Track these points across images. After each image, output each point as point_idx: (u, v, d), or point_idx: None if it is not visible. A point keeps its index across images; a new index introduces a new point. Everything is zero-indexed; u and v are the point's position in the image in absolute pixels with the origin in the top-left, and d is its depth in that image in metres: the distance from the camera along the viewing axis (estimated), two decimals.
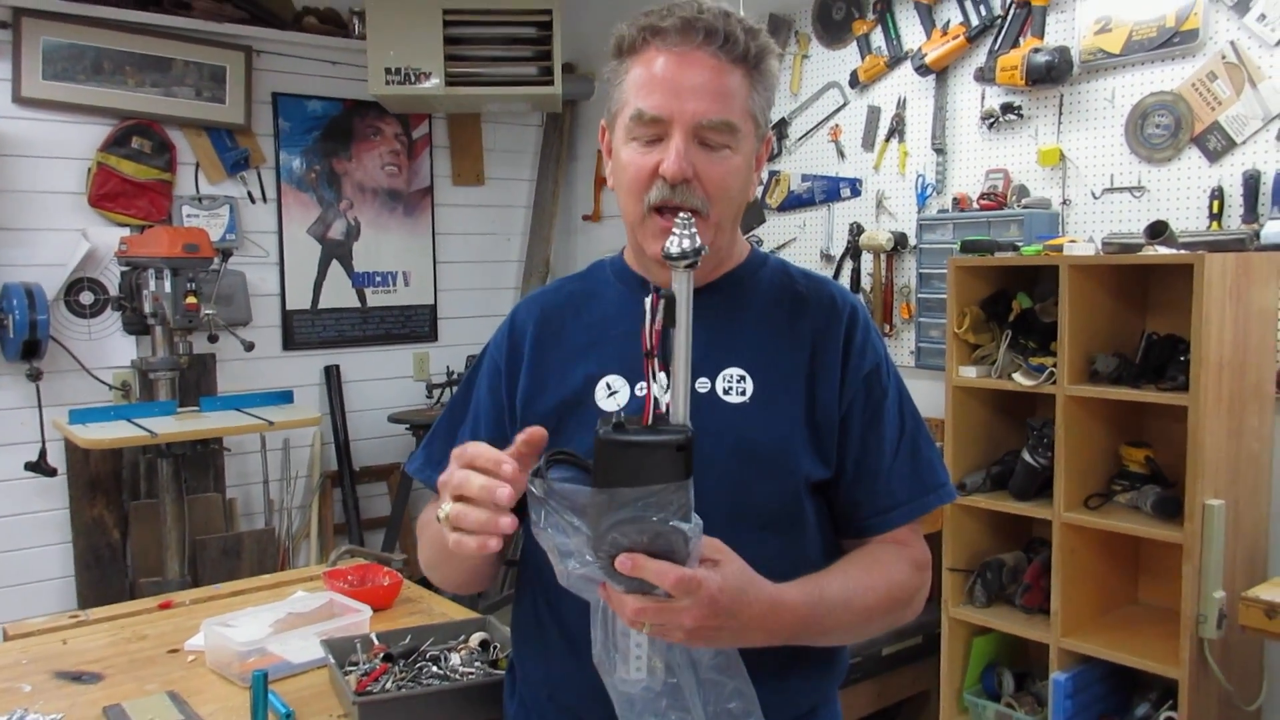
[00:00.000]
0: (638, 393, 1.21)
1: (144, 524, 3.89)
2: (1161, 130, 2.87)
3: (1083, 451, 2.71)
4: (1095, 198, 3.02)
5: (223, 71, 4.13)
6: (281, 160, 4.37)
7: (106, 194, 3.92)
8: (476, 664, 1.51)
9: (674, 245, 0.96)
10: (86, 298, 3.92)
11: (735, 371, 1.21)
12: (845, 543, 1.26)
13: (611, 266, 1.34)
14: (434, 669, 1.48)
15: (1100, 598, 2.82)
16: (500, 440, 1.28)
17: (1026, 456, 2.79)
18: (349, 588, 1.89)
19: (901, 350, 3.54)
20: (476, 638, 1.58)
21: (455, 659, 1.51)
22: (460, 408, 1.36)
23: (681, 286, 0.97)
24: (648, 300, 0.98)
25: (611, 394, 1.23)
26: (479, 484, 0.98)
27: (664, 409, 0.99)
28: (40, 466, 3.65)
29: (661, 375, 1.01)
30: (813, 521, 1.22)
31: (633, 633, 1.00)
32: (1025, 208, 3.08)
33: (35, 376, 3.65)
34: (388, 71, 4.02)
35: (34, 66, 3.73)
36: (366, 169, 4.60)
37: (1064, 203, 3.08)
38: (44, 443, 3.68)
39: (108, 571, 3.96)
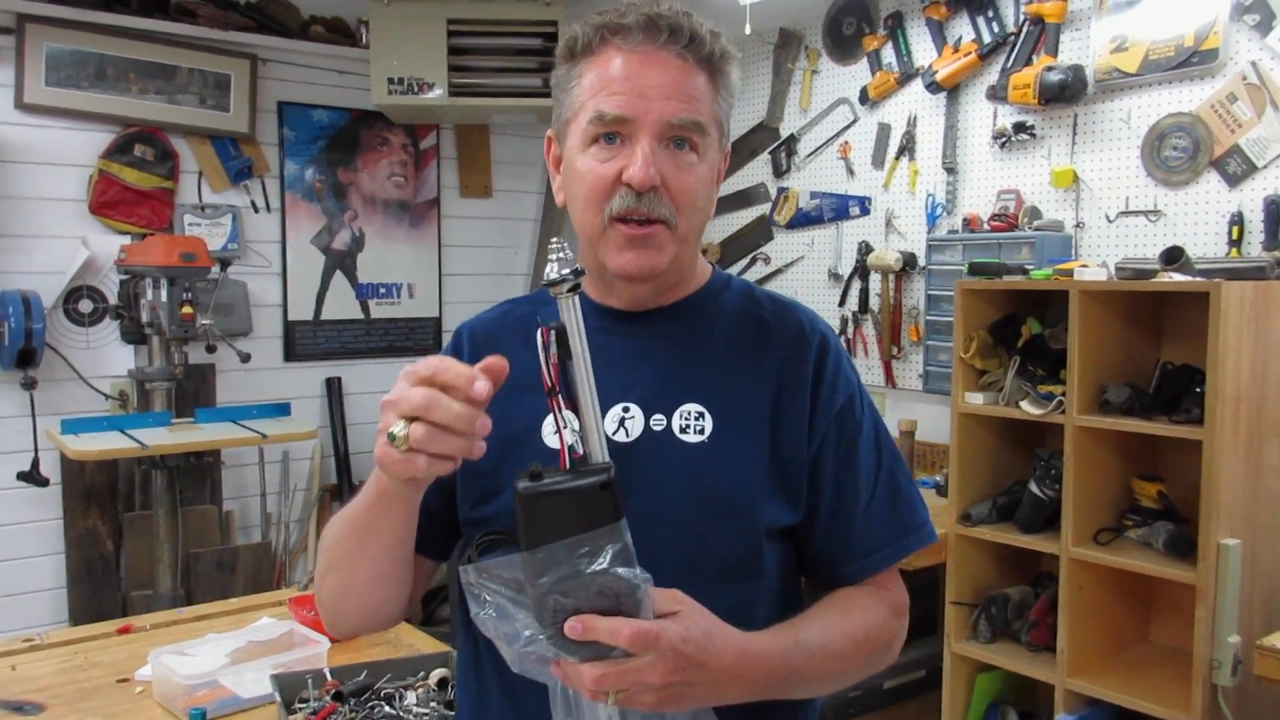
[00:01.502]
0: None
1: (138, 536, 3.84)
2: (1179, 153, 2.77)
3: (1092, 484, 2.60)
4: (1110, 221, 2.92)
5: (227, 79, 4.10)
6: (286, 169, 4.33)
7: (108, 201, 3.89)
8: (433, 704, 1.43)
9: (552, 271, 0.89)
10: (85, 306, 3.88)
11: (693, 408, 1.12)
12: (820, 592, 1.18)
13: None
14: (386, 709, 1.40)
15: (1110, 637, 2.71)
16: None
17: (1034, 488, 2.68)
18: (313, 615, 1.82)
19: (909, 374, 3.45)
20: (436, 675, 1.50)
21: (411, 698, 1.43)
22: None
23: (571, 315, 0.90)
24: (538, 334, 0.90)
25: (558, 430, 1.14)
26: (456, 411, 0.85)
27: (580, 451, 0.90)
28: (32, 476, 3.61)
29: (570, 414, 0.93)
30: (772, 572, 1.13)
31: (601, 708, 0.91)
32: (1037, 230, 2.98)
33: (30, 385, 3.61)
34: (390, 81, 3.97)
35: (37, 73, 3.71)
36: (373, 179, 4.56)
37: (1077, 225, 2.98)
38: (37, 452, 3.64)
39: (100, 584, 3.91)
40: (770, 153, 3.88)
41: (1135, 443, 2.61)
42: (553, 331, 0.89)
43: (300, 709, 1.41)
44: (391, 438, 0.86)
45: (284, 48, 4.22)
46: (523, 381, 1.16)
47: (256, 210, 4.27)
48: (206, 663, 1.60)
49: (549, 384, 0.90)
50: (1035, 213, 3.04)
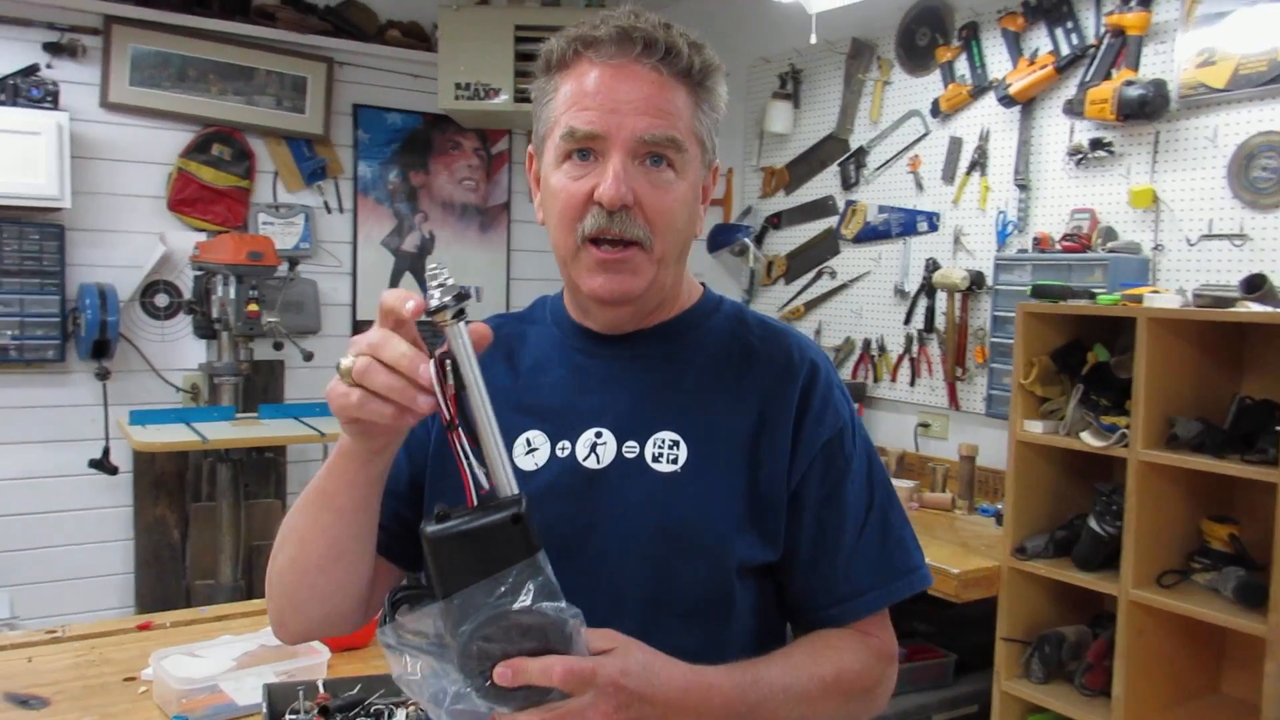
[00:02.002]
0: (559, 453, 1.08)
1: (203, 527, 3.93)
2: (1269, 174, 2.60)
3: (1156, 523, 2.46)
4: (1191, 244, 2.76)
5: (304, 82, 4.18)
6: (359, 171, 4.40)
7: (185, 199, 4.00)
8: None
9: (434, 298, 0.83)
10: (161, 300, 4.00)
11: (668, 436, 1.07)
12: (799, 635, 1.11)
13: (550, 306, 1.20)
14: None
15: (1173, 686, 2.55)
16: (417, 475, 1.15)
17: (1093, 523, 2.55)
18: None
19: (973, 397, 3.32)
20: None
21: (401, 716, 1.41)
22: None
23: (460, 342, 0.84)
24: (431, 366, 0.83)
25: (530, 451, 1.09)
26: (401, 350, 0.82)
27: (485, 486, 0.85)
28: (102, 464, 3.72)
29: (471, 448, 0.87)
30: (744, 610, 1.07)
31: None
32: (1111, 252, 2.84)
33: (103, 376, 3.73)
34: (458, 86, 4.00)
35: (122, 73, 3.84)
36: (444, 183, 4.60)
37: (1155, 248, 2.83)
38: (108, 441, 3.75)
39: (166, 572, 4.02)
40: (839, 165, 3.78)
41: (1206, 481, 2.46)
42: (448, 361, 0.83)
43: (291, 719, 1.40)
44: (338, 368, 0.84)
45: (360, 51, 4.29)
46: (499, 400, 1.14)
47: (329, 211, 4.34)
48: (211, 666, 1.61)
49: (446, 418, 0.84)
50: (1110, 233, 2.90)
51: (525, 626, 0.81)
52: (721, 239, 4.14)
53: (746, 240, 4.07)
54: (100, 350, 3.67)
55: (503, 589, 0.80)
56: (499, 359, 1.16)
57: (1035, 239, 3.06)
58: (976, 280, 3.26)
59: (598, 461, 1.06)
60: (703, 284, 1.21)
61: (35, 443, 3.75)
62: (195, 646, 1.69)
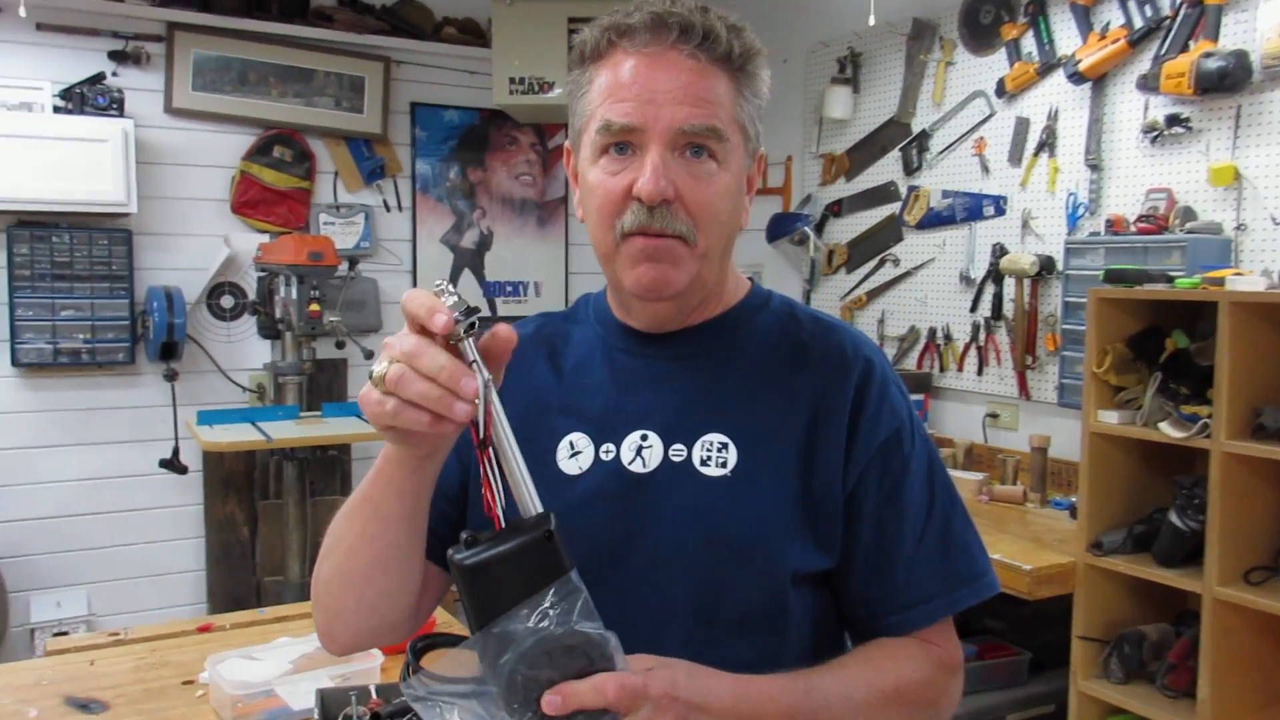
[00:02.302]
0: (603, 456, 1.04)
1: (271, 524, 3.99)
2: None
3: (1243, 517, 2.34)
4: (1276, 223, 2.62)
5: (361, 82, 4.20)
6: (417, 169, 4.41)
7: (248, 201, 4.05)
8: None
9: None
10: (227, 301, 4.06)
11: (716, 438, 1.02)
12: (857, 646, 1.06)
13: (594, 304, 1.16)
14: None
15: (1263, 688, 2.43)
16: (468, 479, 1.12)
17: (1174, 518, 2.44)
18: None
19: (1045, 387, 3.21)
20: None
21: (454, 717, 1.38)
22: None
23: (471, 359, 0.79)
24: (479, 380, 0.78)
25: (574, 454, 1.06)
26: (440, 362, 0.77)
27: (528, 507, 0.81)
28: (172, 464, 3.79)
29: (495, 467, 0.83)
30: (800, 621, 1.02)
31: None
32: (1190, 233, 2.71)
33: (171, 377, 3.80)
34: (512, 81, 3.98)
35: (184, 78, 3.89)
36: (501, 178, 4.59)
37: (1238, 228, 2.69)
38: (177, 441, 3.82)
39: (236, 568, 4.09)
40: (901, 149, 3.69)
41: None
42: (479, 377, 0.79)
43: None
44: (370, 376, 0.80)
45: (416, 49, 4.30)
46: (542, 401, 1.11)
47: (388, 209, 4.37)
48: (268, 669, 1.61)
49: (479, 437, 0.80)
50: (1189, 214, 2.77)
51: (569, 648, 0.77)
52: (781, 228, 4.07)
53: (806, 229, 3.99)
54: (168, 352, 3.74)
55: (542, 611, 0.76)
56: (542, 359, 1.13)
57: (1108, 221, 2.94)
58: (1046, 265, 3.14)
59: (643, 465, 1.03)
60: (750, 278, 1.17)
61: (108, 443, 3.84)
62: (253, 649, 1.69)
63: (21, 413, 3.70)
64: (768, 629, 1.00)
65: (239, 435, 3.41)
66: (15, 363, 3.63)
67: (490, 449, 0.79)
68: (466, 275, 4.56)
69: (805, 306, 1.14)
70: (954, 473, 3.15)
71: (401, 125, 4.35)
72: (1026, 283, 3.21)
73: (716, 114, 0.97)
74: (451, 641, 0.82)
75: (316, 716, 1.39)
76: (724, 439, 1.02)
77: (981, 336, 3.41)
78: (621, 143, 0.98)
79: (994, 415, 3.38)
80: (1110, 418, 2.55)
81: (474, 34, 4.42)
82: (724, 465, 1.01)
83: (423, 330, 0.79)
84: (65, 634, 3.58)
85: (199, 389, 3.98)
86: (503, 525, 0.79)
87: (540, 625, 0.76)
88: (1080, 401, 2.73)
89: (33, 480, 3.72)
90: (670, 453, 1.02)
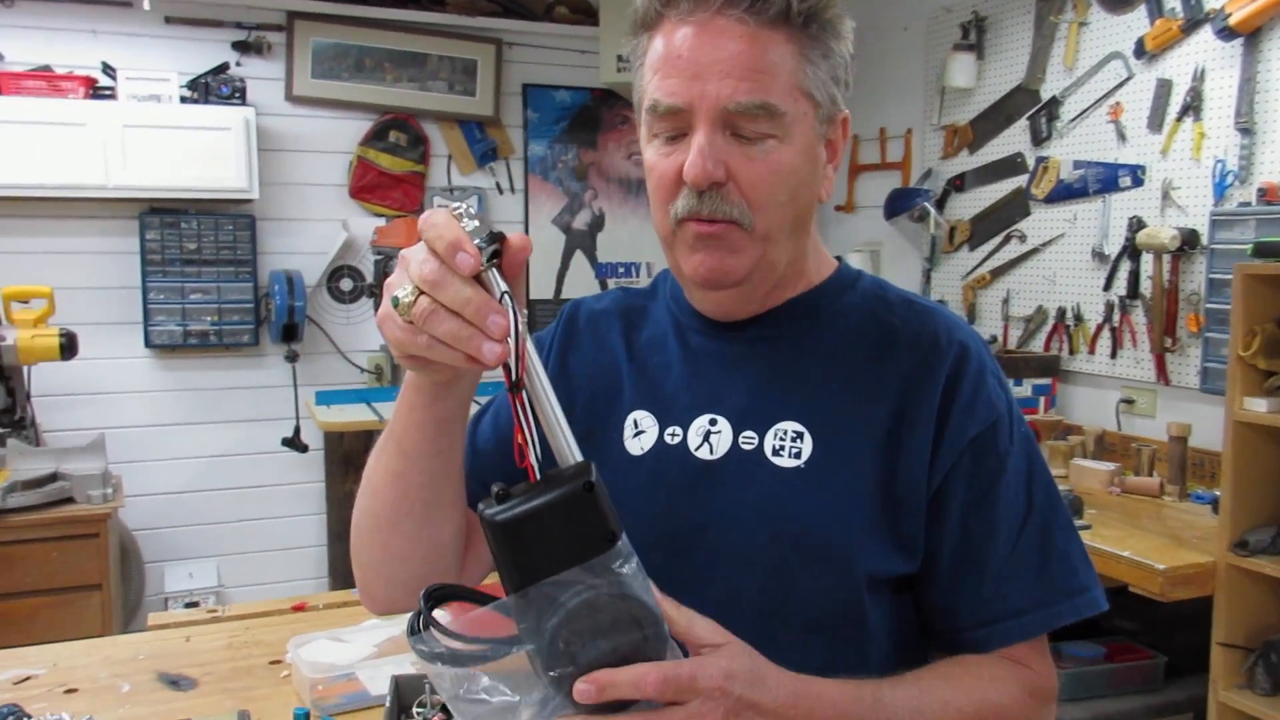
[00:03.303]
0: (668, 439, 0.98)
1: None
2: None
3: None
4: None
5: (474, 64, 4.22)
6: (529, 150, 4.41)
7: (365, 186, 4.12)
8: None
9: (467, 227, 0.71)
10: (346, 284, 4.15)
11: (790, 427, 0.95)
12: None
13: (672, 282, 1.09)
14: None
15: None
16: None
17: None
18: None
19: (1186, 370, 2.97)
20: None
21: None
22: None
23: (498, 288, 0.71)
24: (510, 317, 0.70)
25: (638, 434, 1.00)
26: (466, 295, 0.69)
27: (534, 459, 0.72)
28: (293, 443, 3.91)
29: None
30: (879, 630, 0.94)
31: None
32: None
33: (292, 358, 3.91)
34: (619, 59, 3.92)
35: (304, 66, 3.98)
36: (613, 159, 4.55)
37: None
38: (298, 420, 3.94)
39: None
40: (1029, 118, 3.47)
41: None
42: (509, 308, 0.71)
43: (419, 713, 1.36)
44: (395, 302, 0.73)
45: (528, 30, 4.29)
46: (612, 377, 1.05)
47: (501, 191, 4.39)
48: (351, 652, 1.60)
49: (513, 377, 0.71)
50: None
51: (620, 618, 0.70)
52: (900, 204, 3.90)
53: (927, 205, 3.81)
54: (289, 334, 3.85)
55: (592, 573, 0.69)
56: (616, 334, 1.08)
57: (1260, 190, 2.69)
58: (1189, 239, 2.90)
59: (710, 452, 0.96)
60: (839, 258, 1.08)
61: (234, 422, 3.98)
62: (341, 631, 1.69)
63: (155, 392, 3.87)
64: (841, 634, 0.93)
65: (353, 415, 3.49)
66: (148, 344, 3.80)
67: (523, 391, 0.72)
68: (579, 256, 4.54)
69: (897, 288, 1.04)
70: (1083, 462, 2.96)
71: (513, 107, 4.36)
72: (1166, 258, 2.97)
73: (770, 86, 0.88)
74: (474, 595, 0.76)
75: (389, 703, 1.37)
76: (799, 428, 0.95)
77: (1116, 317, 3.18)
78: (670, 123, 0.91)
79: (1129, 401, 3.15)
80: (1258, 405, 2.33)
81: (585, 13, 4.39)
82: (798, 456, 0.94)
83: (440, 253, 0.71)
84: (196, 604, 3.74)
85: (319, 369, 4.09)
86: (538, 476, 0.72)
87: (592, 586, 0.69)
88: (1224, 387, 2.50)
89: (166, 456, 3.89)
90: (740, 440, 0.96)
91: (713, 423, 0.98)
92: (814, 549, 0.92)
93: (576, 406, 1.05)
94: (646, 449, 0.99)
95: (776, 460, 0.94)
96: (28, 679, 1.53)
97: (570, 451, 0.73)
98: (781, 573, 0.92)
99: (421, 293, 0.71)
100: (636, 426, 1.01)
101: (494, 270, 0.72)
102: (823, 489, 0.92)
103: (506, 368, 0.71)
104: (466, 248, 0.70)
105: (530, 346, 0.72)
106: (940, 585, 0.94)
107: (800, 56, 0.90)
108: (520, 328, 0.71)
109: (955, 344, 0.96)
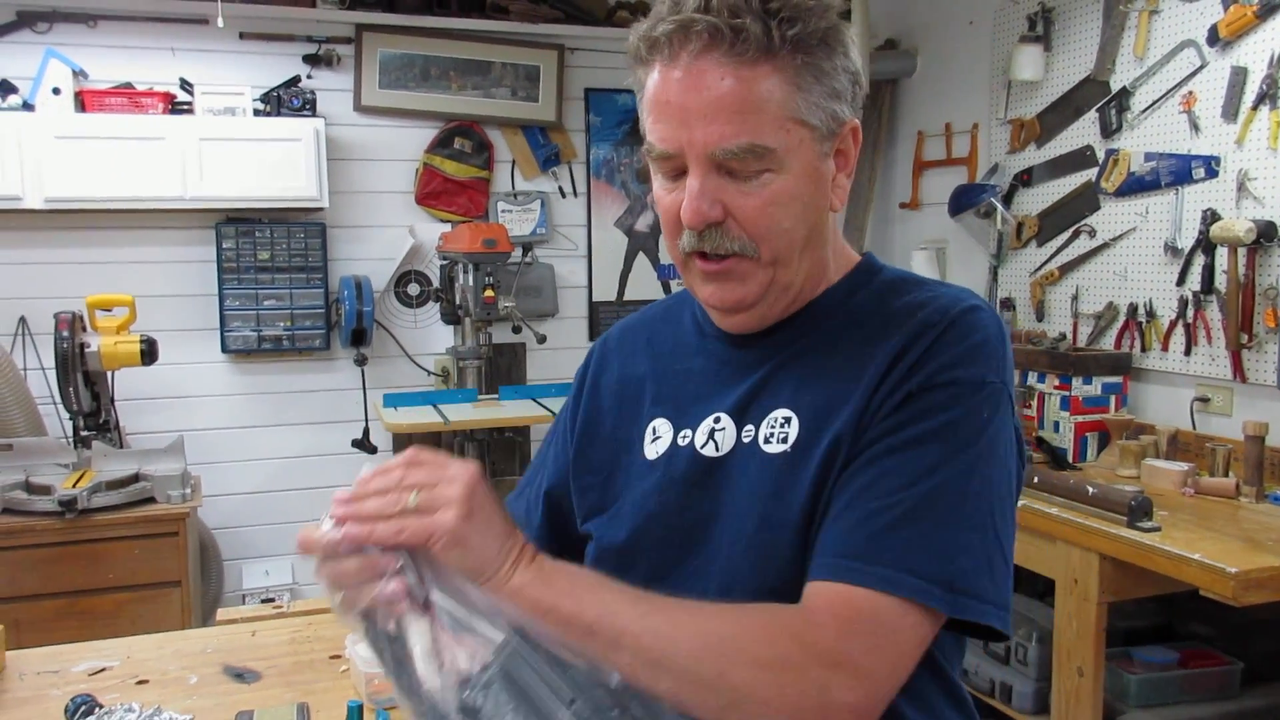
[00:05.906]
0: (679, 441, 1.03)
1: None
2: None
3: None
4: None
5: (536, 71, 4.27)
6: (592, 154, 4.45)
7: (431, 192, 4.21)
8: None
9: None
10: (413, 289, 4.24)
11: (781, 414, 0.97)
12: None
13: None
14: None
15: None
16: (561, 489, 1.15)
17: None
18: None
19: (1263, 368, 2.87)
20: None
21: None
22: (547, 442, 1.22)
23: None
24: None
25: (655, 439, 1.05)
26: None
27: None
28: (363, 444, 4.00)
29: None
30: None
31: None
32: None
33: (361, 362, 4.00)
34: None
35: (372, 77, 4.08)
36: None
37: None
38: (367, 422, 4.03)
39: None
40: (1098, 110, 3.39)
41: None
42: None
43: None
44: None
45: (589, 35, 4.33)
46: (635, 389, 1.10)
47: (563, 195, 4.43)
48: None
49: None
50: None
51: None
52: (965, 200, 3.84)
53: (994, 200, 3.74)
54: (358, 338, 3.94)
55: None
56: (641, 346, 1.14)
57: None
58: (1266, 232, 2.81)
59: (716, 449, 1.00)
60: (867, 254, 1.08)
61: (307, 424, 4.09)
62: None
63: (231, 395, 4.00)
64: None
65: (419, 417, 3.55)
66: (224, 349, 3.93)
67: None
68: (641, 259, 4.57)
69: (922, 278, 1.04)
70: (1155, 463, 2.88)
71: (576, 112, 4.40)
72: (1242, 252, 2.88)
73: (759, 125, 0.89)
74: None
75: None
76: (788, 413, 0.96)
77: (1190, 313, 3.09)
78: (668, 164, 0.94)
79: (1204, 399, 3.06)
80: None
81: (646, 15, 4.40)
82: (785, 441, 0.95)
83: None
84: (271, 600, 3.85)
85: (388, 373, 4.18)
86: None
87: None
88: None
89: (242, 458, 4.02)
90: (742, 434, 0.99)
91: (716, 420, 1.01)
92: (800, 530, 0.92)
93: (607, 421, 1.12)
94: (661, 453, 1.04)
95: (767, 448, 0.96)
96: (102, 670, 1.60)
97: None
98: (770, 555, 0.93)
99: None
100: (655, 433, 1.05)
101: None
102: (805, 469, 0.93)
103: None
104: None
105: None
106: (821, 526, 0.91)
107: (790, 86, 0.90)
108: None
109: (938, 311, 0.94)
